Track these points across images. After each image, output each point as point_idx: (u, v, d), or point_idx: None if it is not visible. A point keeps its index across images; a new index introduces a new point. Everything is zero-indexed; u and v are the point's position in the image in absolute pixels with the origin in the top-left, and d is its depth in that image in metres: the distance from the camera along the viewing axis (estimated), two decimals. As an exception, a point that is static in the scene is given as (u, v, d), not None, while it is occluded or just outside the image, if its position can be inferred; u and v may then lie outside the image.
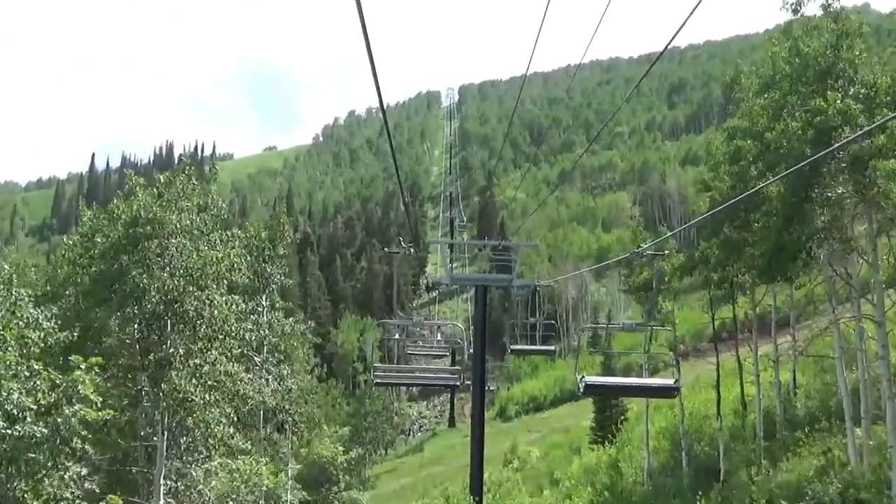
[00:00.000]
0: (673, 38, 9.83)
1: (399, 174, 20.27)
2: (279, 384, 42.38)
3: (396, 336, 32.21)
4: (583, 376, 17.50)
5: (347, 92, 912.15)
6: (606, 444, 56.41)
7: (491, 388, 77.25)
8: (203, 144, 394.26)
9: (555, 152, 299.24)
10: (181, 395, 28.32)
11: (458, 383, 21.50)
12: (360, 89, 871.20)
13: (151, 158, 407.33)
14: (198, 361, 29.76)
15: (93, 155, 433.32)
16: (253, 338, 32.85)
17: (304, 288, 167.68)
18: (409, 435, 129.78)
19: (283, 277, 44.14)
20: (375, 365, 21.31)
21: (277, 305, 44.40)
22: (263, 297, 43.22)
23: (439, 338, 42.01)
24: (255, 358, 41.86)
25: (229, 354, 31.08)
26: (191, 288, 29.08)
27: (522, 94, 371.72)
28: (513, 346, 32.70)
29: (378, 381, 21.27)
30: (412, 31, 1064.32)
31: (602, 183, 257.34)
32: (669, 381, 18.53)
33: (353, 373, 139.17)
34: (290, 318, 44.57)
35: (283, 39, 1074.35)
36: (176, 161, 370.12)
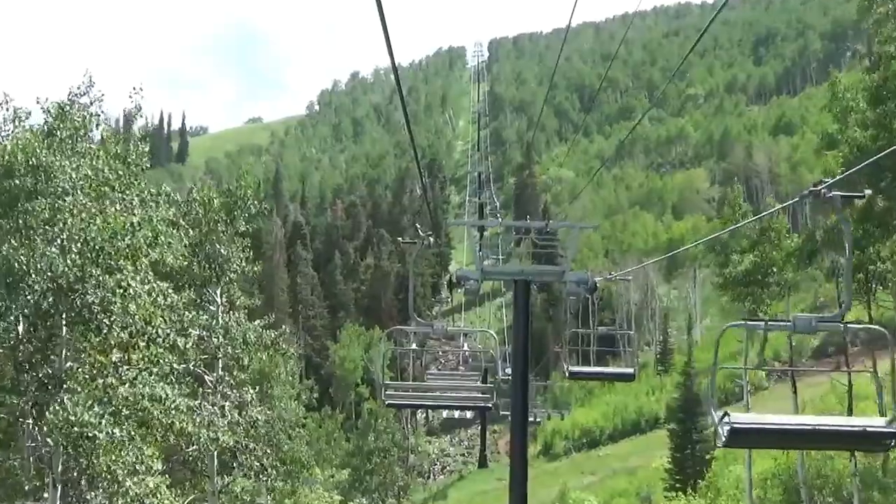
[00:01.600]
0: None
1: (415, 148, 19.16)
2: (240, 414, 37.72)
3: (413, 346, 28.16)
4: (725, 415, 13.28)
5: (349, 49, 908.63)
6: (689, 491, 55.38)
7: (537, 421, 74.82)
8: (170, 116, 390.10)
9: (610, 121, 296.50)
10: (77, 431, 23.71)
11: (489, 405, 21.43)
12: (366, 45, 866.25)
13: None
14: (109, 380, 25.25)
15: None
16: (189, 346, 27.87)
17: (294, 291, 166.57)
18: (428, 478, 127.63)
19: (244, 263, 39.49)
20: (387, 382, 21.02)
21: (238, 303, 39.80)
22: (217, 291, 38.68)
23: (465, 349, 37.71)
24: (206, 377, 37.35)
25: (155, 370, 26.55)
26: (94, 270, 24.48)
27: (568, 49, 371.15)
28: (572, 369, 28.34)
29: (390, 401, 20.87)
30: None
31: (671, 159, 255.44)
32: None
33: (357, 398, 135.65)
34: (257, 322, 39.87)
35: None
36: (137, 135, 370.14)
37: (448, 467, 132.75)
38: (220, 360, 38.37)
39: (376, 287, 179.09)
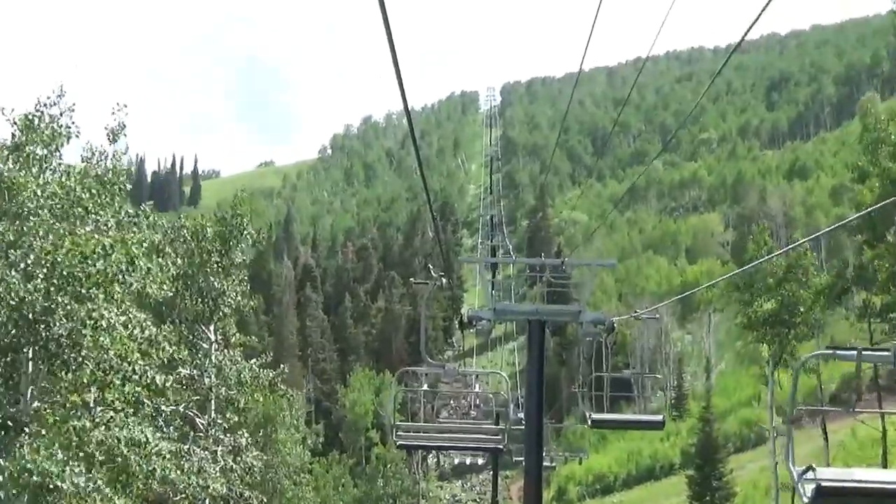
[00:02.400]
0: (760, 14, 9.54)
1: (427, 190, 17.83)
2: (234, 460, 35.02)
3: (425, 387, 27.44)
4: (809, 469, 12.28)
5: (361, 94, 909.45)
6: None
7: (552, 465, 72.44)
8: (183, 159, 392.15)
9: (623, 165, 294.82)
10: (37, 481, 21.11)
11: (501, 447, 21.95)
12: (378, 90, 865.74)
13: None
14: (81, 423, 22.69)
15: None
16: (168, 384, 25.17)
17: (304, 334, 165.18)
18: None
19: (240, 297, 36.94)
20: (398, 423, 21.68)
21: (234, 340, 37.27)
22: (210, 327, 36.16)
23: (477, 390, 35.99)
24: (198, 420, 34.77)
25: (133, 412, 24.02)
26: (62, 298, 21.97)
27: (581, 93, 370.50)
28: (594, 416, 26.07)
29: (401, 442, 21.37)
30: (444, 18, 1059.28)
31: (685, 202, 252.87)
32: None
33: (367, 443, 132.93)
34: (254, 361, 37.21)
35: (277, 30, 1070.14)
36: (148, 178, 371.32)
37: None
38: (212, 402, 35.75)
39: (387, 330, 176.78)
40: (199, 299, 35.38)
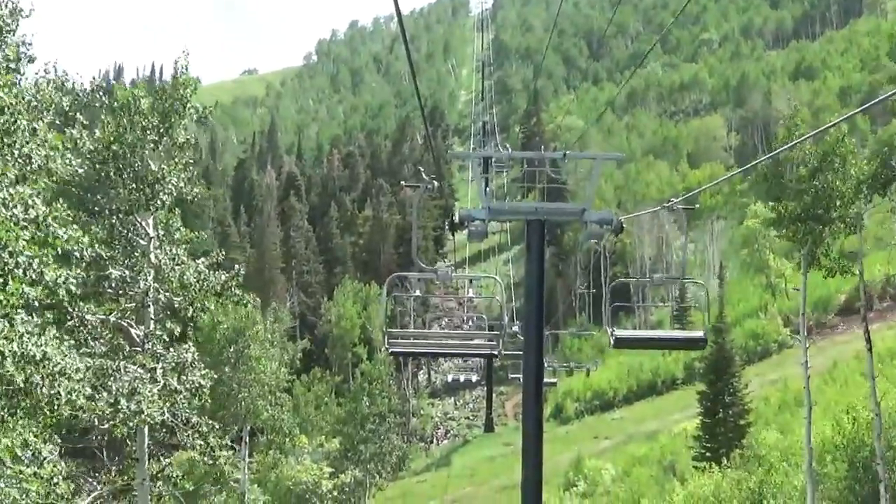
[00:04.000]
0: None
1: (419, 93, 17.70)
2: (178, 379, 30.03)
3: (417, 293, 30.47)
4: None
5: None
6: (724, 462, 49.08)
7: (553, 382, 69.27)
8: (161, 67, 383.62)
9: (620, 68, 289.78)
10: None
11: (496, 352, 21.97)
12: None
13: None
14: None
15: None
16: (62, 281, 19.76)
17: (288, 245, 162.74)
18: (430, 443, 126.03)
19: (183, 185, 31.69)
20: (390, 330, 20.73)
21: (178, 235, 32.16)
22: (149, 221, 31.12)
23: (471, 294, 33.43)
24: (133, 331, 29.82)
25: (23, 318, 19.11)
26: None
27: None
28: (618, 333, 23.50)
29: (393, 349, 21.05)
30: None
31: (685, 106, 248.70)
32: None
33: (355, 359, 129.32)
34: (201, 260, 32.00)
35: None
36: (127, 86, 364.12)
37: (452, 432, 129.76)
38: (149, 309, 30.78)
39: (375, 240, 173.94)
40: (134, 186, 30.27)
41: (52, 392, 20.16)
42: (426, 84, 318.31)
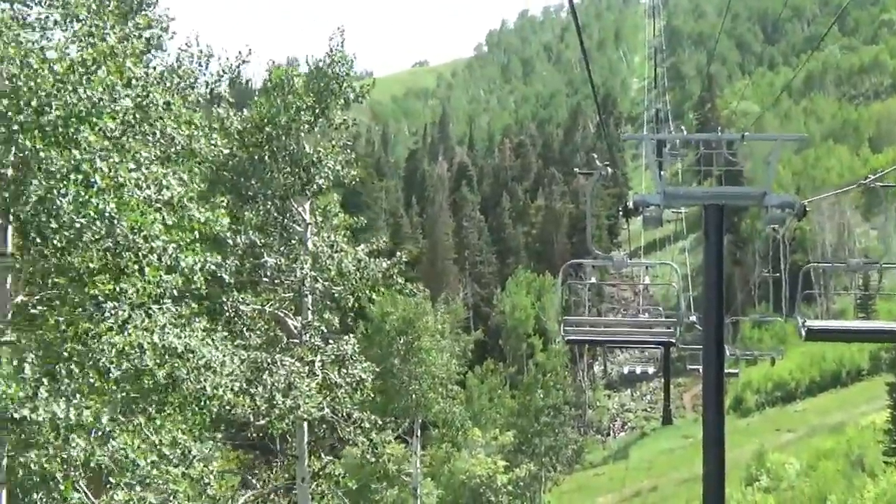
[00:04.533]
0: None
1: (592, 80, 18.84)
2: (338, 372, 28.41)
3: (592, 279, 30.95)
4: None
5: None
6: None
7: (735, 372, 66.89)
8: (363, 85, 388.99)
9: (796, 51, 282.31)
10: None
11: (673, 339, 23.14)
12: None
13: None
14: (83, 326, 16.41)
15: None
16: (198, 268, 17.88)
17: (460, 236, 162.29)
18: (607, 435, 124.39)
19: (340, 168, 29.95)
20: (565, 318, 22.41)
21: (336, 220, 30.56)
22: (305, 206, 29.61)
23: (646, 282, 32.50)
24: (290, 322, 28.33)
25: (158, 308, 17.56)
26: (23, 140, 15.33)
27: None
28: (811, 325, 22.58)
29: (569, 337, 22.76)
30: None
31: (866, 89, 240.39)
32: None
33: (529, 350, 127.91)
34: (362, 247, 30.18)
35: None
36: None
37: (629, 424, 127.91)
38: (306, 299, 29.26)
39: (547, 230, 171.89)
40: (289, 169, 28.73)
41: (199, 387, 18.72)
42: (598, 72, 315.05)
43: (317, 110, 29.38)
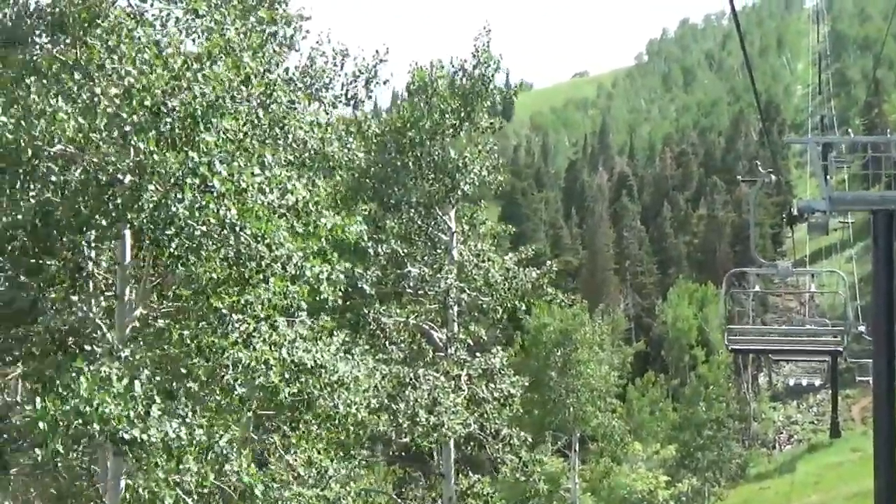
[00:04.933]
0: None
1: (755, 85, 17.73)
2: (486, 387, 27.04)
3: (756, 288, 29.48)
4: None
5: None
6: None
7: None
8: (508, 86, 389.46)
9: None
10: (95, 428, 13.57)
11: (840, 348, 21.82)
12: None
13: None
14: (207, 339, 15.38)
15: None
16: (333, 276, 16.70)
17: (620, 246, 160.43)
18: (773, 448, 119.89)
19: (488, 173, 28.47)
20: (729, 327, 21.79)
21: (483, 229, 29.20)
22: (450, 213, 28.38)
23: (812, 289, 37.46)
24: (435, 334, 27.10)
25: (300, 321, 16.48)
26: (137, 141, 14.28)
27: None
28: None
29: (734, 346, 22.27)
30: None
31: None
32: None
33: (692, 362, 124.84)
34: (509, 256, 28.74)
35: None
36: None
37: (795, 437, 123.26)
38: (451, 311, 28.01)
39: (710, 239, 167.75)
40: (433, 175, 27.51)
41: (331, 404, 17.58)
42: (760, 79, 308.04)
43: (462, 113, 28.21)
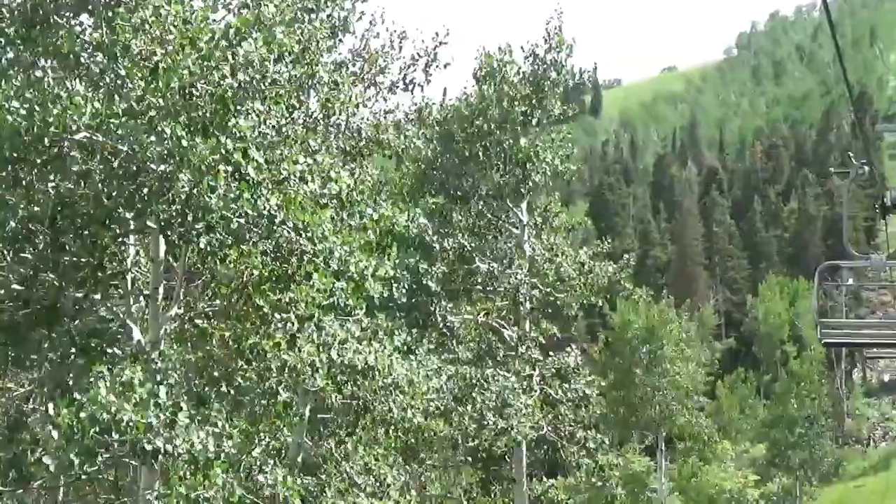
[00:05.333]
0: None
1: (846, 77, 20.18)
2: (559, 387, 25.55)
3: (850, 281, 27.92)
4: None
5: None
6: None
7: None
8: (581, 70, 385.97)
9: None
10: (123, 436, 12.35)
11: None
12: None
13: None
14: (255, 341, 14.20)
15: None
16: (384, 274, 15.22)
17: (710, 240, 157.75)
18: (867, 446, 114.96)
19: (560, 162, 26.86)
20: (822, 320, 20.09)
21: (557, 221, 27.65)
22: (522, 205, 26.97)
23: None
24: (505, 332, 25.71)
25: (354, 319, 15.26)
26: (168, 128, 13.00)
27: None
28: None
29: (826, 340, 20.86)
30: None
31: None
32: None
33: (784, 358, 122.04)
34: (584, 250, 27.20)
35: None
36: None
37: (891, 433, 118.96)
38: (523, 307, 26.57)
39: (801, 233, 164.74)
40: (502, 165, 26.04)
41: (385, 409, 16.31)
42: (852, 70, 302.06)
43: (533, 101, 26.68)
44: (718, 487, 62.25)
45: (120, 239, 14.95)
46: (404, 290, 20.66)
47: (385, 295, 17.95)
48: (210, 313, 15.57)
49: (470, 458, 28.67)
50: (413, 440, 19.55)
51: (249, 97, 13.32)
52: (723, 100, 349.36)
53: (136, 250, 15.85)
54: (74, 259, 14.42)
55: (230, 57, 13.15)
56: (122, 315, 15.22)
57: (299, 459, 17.69)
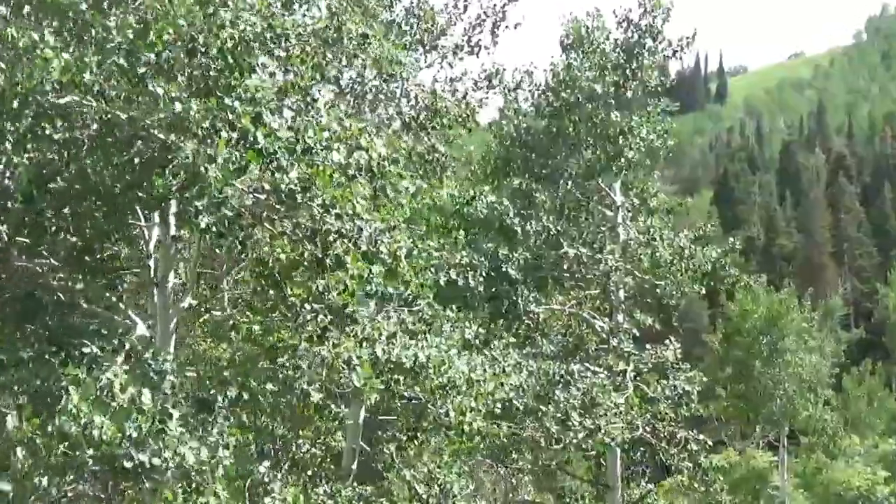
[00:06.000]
0: None
1: None
2: (658, 382, 23.09)
3: None
4: None
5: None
6: None
7: None
8: (707, 57, 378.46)
9: None
10: (90, 453, 10.34)
11: None
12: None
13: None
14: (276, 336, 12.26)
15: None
16: (420, 259, 13.17)
17: (837, 228, 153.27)
18: None
19: (656, 137, 24.33)
20: None
21: (655, 202, 25.16)
22: (615, 185, 24.63)
23: None
24: (596, 323, 23.41)
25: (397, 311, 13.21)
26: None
27: None
28: None
29: None
30: None
31: None
32: None
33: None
34: (685, 233, 24.65)
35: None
36: (672, 78, 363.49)
37: None
38: (616, 296, 24.13)
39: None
40: (593, 142, 23.66)
41: (442, 411, 14.24)
42: None
43: (626, 70, 24.22)
44: (846, 484, 59.05)
45: (110, 222, 13.01)
46: (482, 279, 18.45)
47: (460, 284, 16.09)
48: (228, 305, 13.66)
49: (564, 461, 26.37)
50: (479, 443, 17.39)
51: (256, 53, 11.32)
52: (851, 85, 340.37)
53: (143, 231, 13.98)
54: (56, 242, 12.64)
55: (230, 3, 11.21)
56: (123, 306, 13.44)
57: (353, 466, 15.95)
